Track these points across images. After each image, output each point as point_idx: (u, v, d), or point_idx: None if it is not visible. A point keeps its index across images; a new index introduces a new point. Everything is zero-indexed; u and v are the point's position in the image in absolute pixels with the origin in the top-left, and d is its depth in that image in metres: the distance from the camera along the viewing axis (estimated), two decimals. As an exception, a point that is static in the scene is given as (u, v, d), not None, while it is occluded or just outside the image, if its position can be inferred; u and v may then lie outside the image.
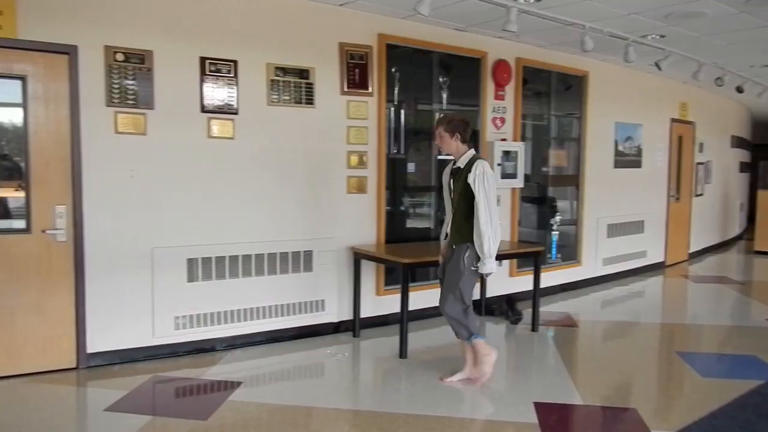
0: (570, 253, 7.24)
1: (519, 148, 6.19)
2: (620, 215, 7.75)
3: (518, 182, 6.22)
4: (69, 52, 3.96)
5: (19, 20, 3.79)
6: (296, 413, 3.65)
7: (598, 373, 4.47)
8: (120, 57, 4.11)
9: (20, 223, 3.99)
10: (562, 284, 6.95)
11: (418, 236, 5.82)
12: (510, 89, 6.18)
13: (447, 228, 4.17)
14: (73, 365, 4.15)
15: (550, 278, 6.57)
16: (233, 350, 4.66)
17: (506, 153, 6.08)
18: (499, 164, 5.99)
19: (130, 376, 4.10)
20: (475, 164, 3.88)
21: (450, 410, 3.68)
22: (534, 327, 5.40)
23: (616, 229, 7.71)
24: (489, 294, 5.97)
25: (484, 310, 5.90)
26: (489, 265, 3.88)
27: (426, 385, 4.08)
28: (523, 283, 6.16)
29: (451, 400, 3.86)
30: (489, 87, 6.01)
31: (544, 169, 7.05)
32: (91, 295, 4.15)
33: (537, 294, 5.40)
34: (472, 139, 5.85)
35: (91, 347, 4.19)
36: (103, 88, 4.08)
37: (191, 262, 4.49)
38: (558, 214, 6.98)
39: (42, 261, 4.01)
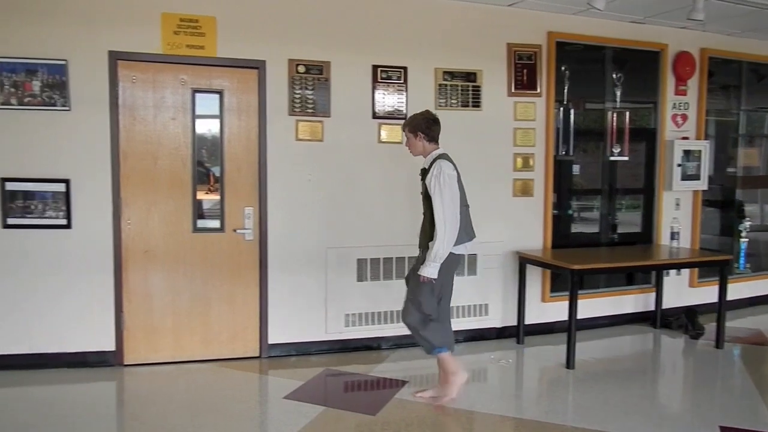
0: (761, 262, 6.49)
1: (703, 147, 5.66)
2: (826, 221, 6.79)
3: (701, 184, 5.69)
4: (258, 66, 4.34)
5: (218, 41, 4.23)
6: (460, 416, 3.67)
7: (799, 400, 3.97)
8: (301, 69, 4.42)
9: (214, 223, 4.42)
10: (751, 297, 6.24)
11: (585, 241, 5.57)
12: (693, 83, 5.67)
13: None
14: (257, 354, 4.52)
15: (737, 290, 5.90)
16: (398, 350, 4.79)
17: (687, 153, 5.59)
18: (679, 165, 5.52)
19: (305, 367, 4.38)
20: (434, 164, 3.61)
21: (624, 428, 3.47)
22: (718, 343, 4.92)
23: (820, 238, 6.76)
24: (666, 305, 5.53)
25: (660, 323, 5.48)
26: (429, 269, 3.57)
27: (596, 398, 3.90)
28: (706, 294, 5.63)
29: (624, 416, 3.63)
30: (669, 82, 5.56)
31: (731, 169, 6.37)
32: (273, 290, 4.50)
33: (723, 307, 4.91)
34: (648, 139, 5.58)
35: (272, 338, 4.54)
36: (286, 98, 4.41)
37: (360, 262, 4.69)
38: (747, 219, 6.28)
39: (233, 258, 4.42)
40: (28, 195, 4.01)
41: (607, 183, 5.66)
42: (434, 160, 3.67)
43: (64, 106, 3.99)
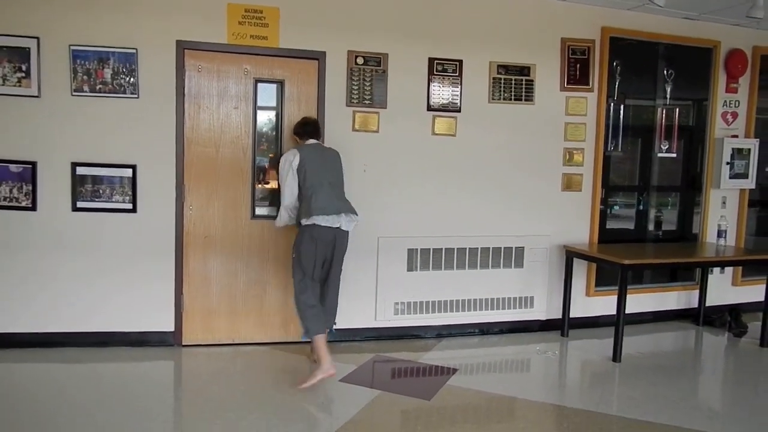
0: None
1: (752, 145, 5.63)
2: None
3: (749, 183, 5.67)
4: (318, 57, 4.42)
5: (281, 31, 4.32)
6: (513, 404, 3.75)
7: None
8: (360, 61, 4.49)
9: (272, 211, 4.49)
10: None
11: (629, 237, 5.59)
12: (744, 81, 5.64)
13: None
14: (309, 339, 4.62)
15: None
16: (444, 339, 4.87)
17: (735, 151, 5.57)
18: (727, 163, 5.51)
19: (356, 353, 4.49)
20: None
21: (675, 420, 3.52)
22: (763, 342, 4.93)
23: None
24: (709, 303, 5.53)
25: (703, 320, 5.49)
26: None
27: (645, 391, 3.95)
28: (749, 293, 5.62)
29: (674, 409, 3.68)
30: (720, 79, 5.54)
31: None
32: (326, 277, 4.59)
33: (769, 306, 4.91)
34: (696, 136, 5.54)
35: (324, 324, 4.64)
36: (344, 89, 4.49)
37: (411, 252, 4.77)
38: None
39: (288, 245, 4.43)
40: (96, 180, 4.15)
41: (653, 179, 5.66)
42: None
43: (132, 93, 4.11)
